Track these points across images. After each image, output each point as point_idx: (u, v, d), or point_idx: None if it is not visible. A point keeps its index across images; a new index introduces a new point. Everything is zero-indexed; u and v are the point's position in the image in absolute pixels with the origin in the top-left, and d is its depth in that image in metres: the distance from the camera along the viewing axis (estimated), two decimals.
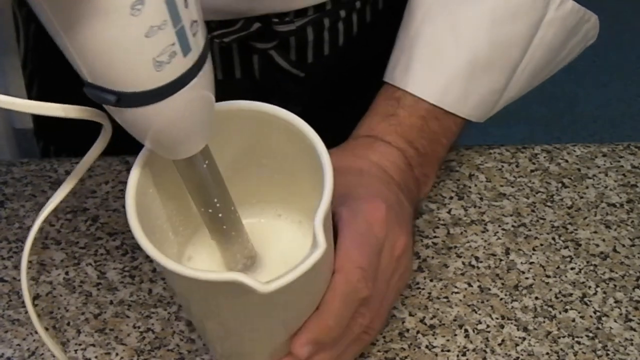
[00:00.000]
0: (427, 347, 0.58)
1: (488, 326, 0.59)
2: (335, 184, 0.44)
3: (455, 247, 0.63)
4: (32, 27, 0.77)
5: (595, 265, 0.63)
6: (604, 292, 0.61)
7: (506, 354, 0.57)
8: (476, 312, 0.59)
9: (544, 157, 0.70)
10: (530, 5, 0.60)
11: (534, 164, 0.70)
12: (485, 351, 0.57)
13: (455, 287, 0.61)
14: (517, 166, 0.69)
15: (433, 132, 0.60)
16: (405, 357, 0.57)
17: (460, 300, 0.60)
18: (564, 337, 0.58)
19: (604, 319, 0.59)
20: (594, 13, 0.64)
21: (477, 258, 0.63)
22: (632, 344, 0.58)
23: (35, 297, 0.60)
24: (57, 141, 0.82)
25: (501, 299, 0.60)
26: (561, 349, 0.58)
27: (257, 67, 0.71)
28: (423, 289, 0.61)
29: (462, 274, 0.62)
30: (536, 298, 0.60)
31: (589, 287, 0.61)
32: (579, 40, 0.66)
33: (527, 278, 0.62)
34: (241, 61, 0.71)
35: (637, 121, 1.95)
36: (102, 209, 0.65)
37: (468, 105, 0.61)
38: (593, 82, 2.02)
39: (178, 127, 0.39)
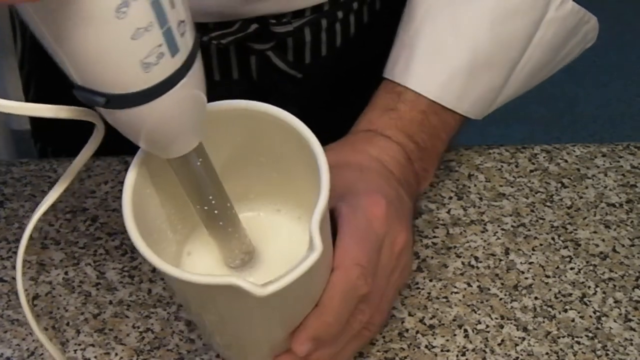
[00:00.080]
0: (426, 347, 0.58)
1: (487, 326, 0.59)
2: (334, 179, 0.44)
3: (455, 247, 0.63)
4: (29, 28, 0.77)
5: (595, 265, 0.63)
6: (604, 292, 0.61)
7: (506, 354, 0.57)
8: (476, 312, 0.59)
9: (544, 157, 0.70)
10: (531, 5, 0.60)
11: (533, 164, 0.70)
12: (484, 351, 0.57)
13: (455, 287, 0.61)
14: (516, 166, 0.69)
15: (433, 126, 0.60)
16: (405, 357, 0.57)
17: (460, 300, 0.60)
18: (563, 337, 0.58)
19: (603, 319, 0.59)
20: (594, 14, 0.64)
21: (476, 258, 0.63)
22: (631, 344, 0.58)
23: (34, 297, 0.60)
24: (55, 142, 0.82)
25: (501, 299, 0.60)
26: (561, 349, 0.58)
27: (254, 68, 0.71)
28: (422, 289, 0.61)
29: (462, 274, 0.62)
30: (536, 298, 0.60)
31: (589, 287, 0.61)
32: (578, 41, 0.66)
33: (526, 278, 0.62)
34: (239, 62, 0.71)
35: (637, 121, 1.95)
36: (101, 209, 0.65)
37: (467, 102, 0.61)
38: (593, 82, 2.02)
39: (169, 126, 0.39)
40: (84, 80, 0.36)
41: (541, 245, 0.64)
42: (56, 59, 0.35)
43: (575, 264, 0.63)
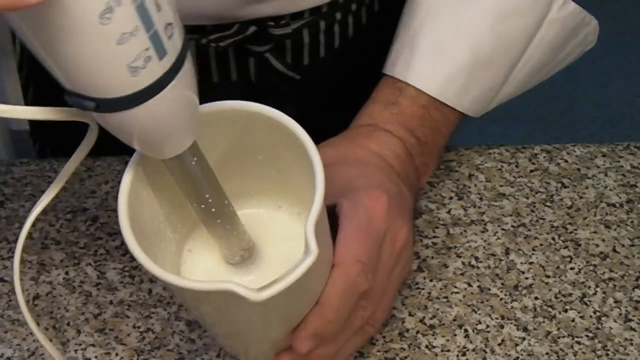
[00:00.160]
0: (427, 347, 0.58)
1: (488, 326, 0.59)
2: (335, 174, 0.44)
3: (455, 247, 0.63)
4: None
5: (595, 265, 0.63)
6: (604, 292, 0.61)
7: (506, 354, 0.57)
8: (476, 312, 0.59)
9: (544, 157, 0.70)
10: (532, 4, 0.60)
11: (533, 164, 0.70)
12: (485, 351, 0.57)
13: (455, 287, 0.61)
14: (516, 166, 0.69)
15: (435, 120, 0.60)
16: (405, 357, 0.57)
17: (460, 300, 0.60)
18: (563, 337, 0.58)
19: (603, 319, 0.59)
20: (594, 15, 0.64)
21: (476, 258, 0.63)
22: (631, 344, 0.58)
23: (35, 297, 0.60)
24: (53, 143, 0.82)
25: (501, 299, 0.60)
26: (561, 349, 0.58)
27: (253, 70, 0.71)
28: (423, 289, 0.61)
29: (462, 274, 0.62)
30: (536, 298, 0.60)
31: (589, 287, 0.61)
32: (579, 42, 0.66)
33: (526, 278, 0.62)
34: (237, 64, 0.71)
35: (637, 121, 1.95)
36: (101, 209, 0.65)
37: (467, 100, 0.61)
38: (593, 82, 2.02)
39: (161, 128, 0.39)
40: (73, 86, 0.36)
41: (541, 245, 0.64)
42: (45, 65, 0.36)
43: (575, 264, 0.63)
